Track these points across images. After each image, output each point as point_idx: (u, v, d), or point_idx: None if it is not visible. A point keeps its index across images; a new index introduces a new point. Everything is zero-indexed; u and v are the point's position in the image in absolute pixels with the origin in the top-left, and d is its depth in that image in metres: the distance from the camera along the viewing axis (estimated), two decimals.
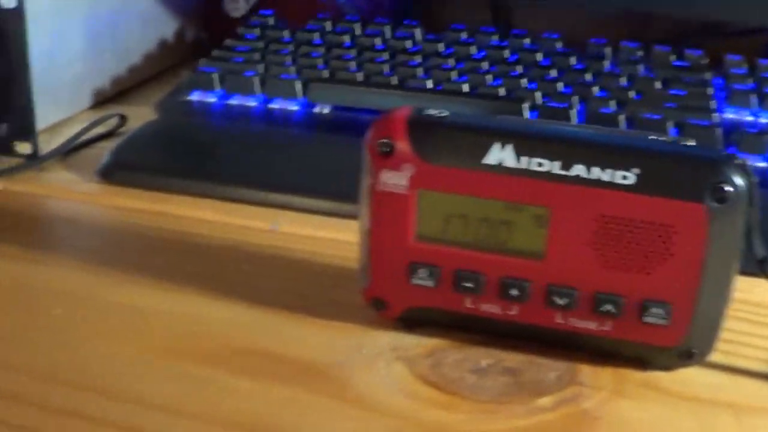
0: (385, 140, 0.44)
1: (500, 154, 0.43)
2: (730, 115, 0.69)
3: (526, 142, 0.43)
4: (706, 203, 0.41)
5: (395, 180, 0.44)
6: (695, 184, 0.41)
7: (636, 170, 0.42)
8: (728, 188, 0.41)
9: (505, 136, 0.43)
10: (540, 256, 0.44)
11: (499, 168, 0.43)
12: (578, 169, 0.42)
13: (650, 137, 0.45)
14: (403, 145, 0.44)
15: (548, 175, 0.42)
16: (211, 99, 0.71)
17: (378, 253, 0.46)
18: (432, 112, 0.45)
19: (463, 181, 0.43)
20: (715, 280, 0.43)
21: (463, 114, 0.45)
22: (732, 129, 0.65)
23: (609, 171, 0.42)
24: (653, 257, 0.43)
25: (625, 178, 0.42)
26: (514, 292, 0.44)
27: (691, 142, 0.44)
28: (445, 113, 0.45)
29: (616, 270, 0.43)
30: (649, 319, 0.43)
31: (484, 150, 0.43)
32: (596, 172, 0.42)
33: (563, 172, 0.42)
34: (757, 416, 0.43)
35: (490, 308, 0.45)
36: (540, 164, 0.42)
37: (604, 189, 0.42)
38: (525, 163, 0.43)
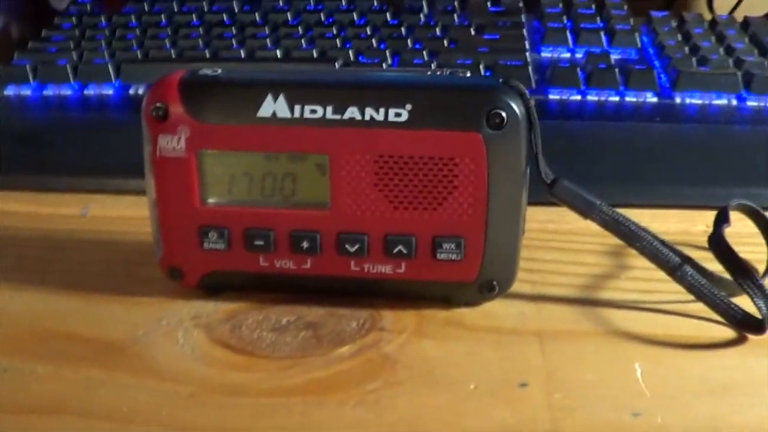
0: (158, 104, 0.43)
1: (273, 106, 0.42)
2: (546, 54, 0.70)
3: (297, 91, 0.42)
4: (483, 131, 0.41)
5: (173, 144, 0.43)
6: (470, 113, 0.41)
7: (408, 106, 0.41)
8: (503, 113, 0.41)
9: (275, 86, 0.42)
10: (326, 205, 0.43)
11: (274, 119, 0.42)
12: (352, 112, 0.42)
13: (425, 73, 0.44)
14: (176, 108, 0.43)
15: (323, 121, 0.42)
16: (26, 92, 0.69)
17: (167, 221, 0.45)
18: (205, 71, 0.44)
19: (240, 138, 0.43)
20: (504, 208, 0.42)
21: (236, 70, 0.44)
22: (547, 67, 0.66)
23: (382, 110, 0.41)
24: (438, 192, 0.42)
25: (398, 115, 0.41)
26: (306, 244, 0.44)
27: (468, 74, 0.44)
28: (218, 71, 0.44)
29: (404, 209, 0.43)
30: (442, 256, 0.43)
31: (257, 103, 0.42)
32: (369, 113, 0.42)
33: (337, 117, 0.42)
34: (560, 340, 0.43)
35: (285, 264, 0.45)
36: (314, 111, 0.42)
37: (380, 129, 0.42)
38: (299, 111, 0.42)
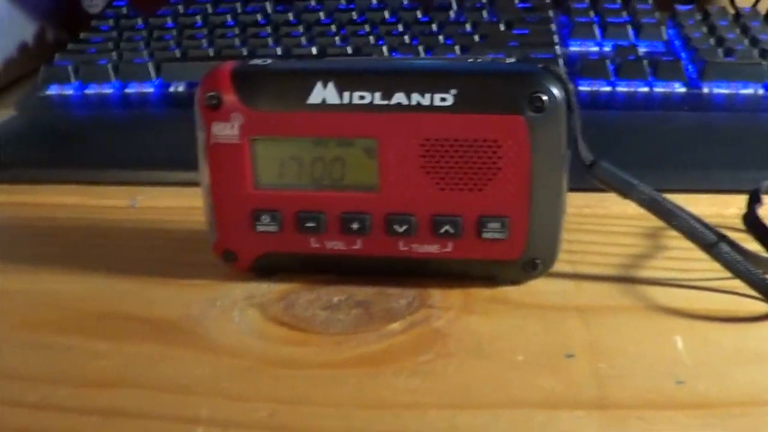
0: (212, 93, 0.45)
1: (323, 93, 0.44)
2: (575, 48, 0.71)
3: (346, 78, 0.44)
4: (525, 114, 0.42)
5: (226, 131, 0.45)
6: (513, 97, 0.43)
7: (453, 91, 0.43)
8: (544, 97, 0.42)
9: (325, 74, 0.44)
10: (375, 188, 0.45)
11: (324, 106, 0.44)
12: (399, 97, 0.43)
13: (468, 60, 0.46)
14: (229, 96, 0.44)
15: (371, 107, 0.43)
16: (68, 91, 0.71)
17: (220, 206, 0.46)
18: (256, 62, 0.46)
19: (291, 124, 0.44)
20: (546, 189, 0.44)
21: (286, 60, 0.46)
22: (576, 60, 0.67)
23: (428, 95, 0.43)
24: (483, 173, 0.44)
25: (443, 99, 0.43)
26: (355, 225, 0.45)
27: (510, 60, 0.45)
28: (268, 61, 0.45)
29: (450, 191, 0.44)
30: (487, 235, 0.45)
31: (307, 91, 0.44)
32: (416, 98, 0.43)
33: (385, 102, 0.43)
34: (602, 315, 0.44)
35: (335, 245, 0.46)
36: (362, 97, 0.43)
37: (425, 113, 0.43)
38: (347, 97, 0.44)
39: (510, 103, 0.43)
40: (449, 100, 0.43)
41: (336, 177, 0.45)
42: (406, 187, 0.44)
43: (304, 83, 0.44)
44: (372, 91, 0.43)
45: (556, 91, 0.43)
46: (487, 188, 0.44)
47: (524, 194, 0.44)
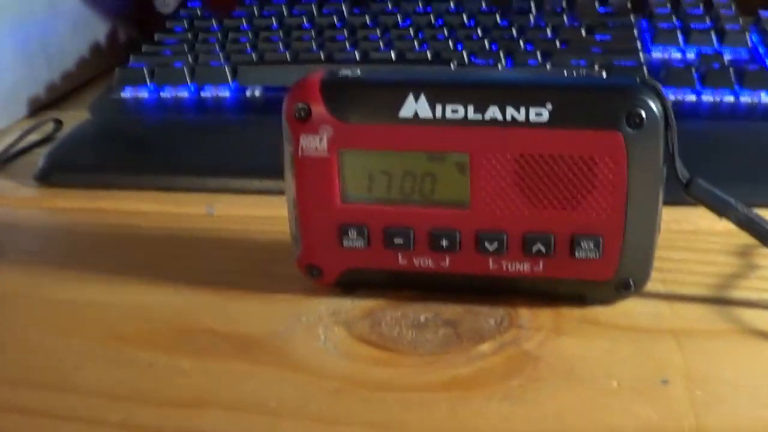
0: (300, 105, 0.44)
1: (414, 106, 0.43)
2: (657, 54, 0.70)
3: (438, 91, 0.43)
4: (623, 130, 0.41)
5: (315, 144, 0.44)
6: (610, 112, 0.41)
7: (549, 106, 0.42)
8: (643, 113, 0.41)
9: (417, 87, 0.43)
10: (466, 204, 0.44)
11: (415, 119, 0.43)
12: (493, 112, 0.42)
13: (563, 73, 0.45)
14: (318, 108, 0.43)
15: (464, 121, 0.42)
16: (143, 94, 0.71)
17: (306, 220, 0.46)
18: (345, 72, 0.45)
19: (381, 137, 0.43)
20: (642, 207, 0.43)
21: (376, 71, 0.45)
22: (659, 67, 0.66)
23: (522, 110, 0.42)
24: (577, 191, 0.43)
25: (539, 115, 0.42)
26: (445, 242, 0.44)
27: (603, 74, 0.44)
28: (358, 72, 0.44)
29: (543, 208, 0.43)
30: (580, 254, 0.43)
31: (399, 103, 0.43)
32: (510, 112, 0.42)
33: (478, 116, 0.42)
34: (696, 339, 0.43)
35: (423, 262, 0.45)
36: (455, 111, 0.42)
37: (520, 128, 0.42)
38: (440, 111, 0.43)
39: (607, 118, 0.41)
40: (545, 115, 0.42)
41: (426, 192, 0.44)
42: (497, 204, 0.43)
43: (395, 95, 0.43)
44: (465, 104, 0.42)
45: (654, 106, 0.41)
46: (582, 206, 0.43)
47: (619, 213, 0.43)
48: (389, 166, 0.44)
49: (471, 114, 0.42)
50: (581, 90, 0.42)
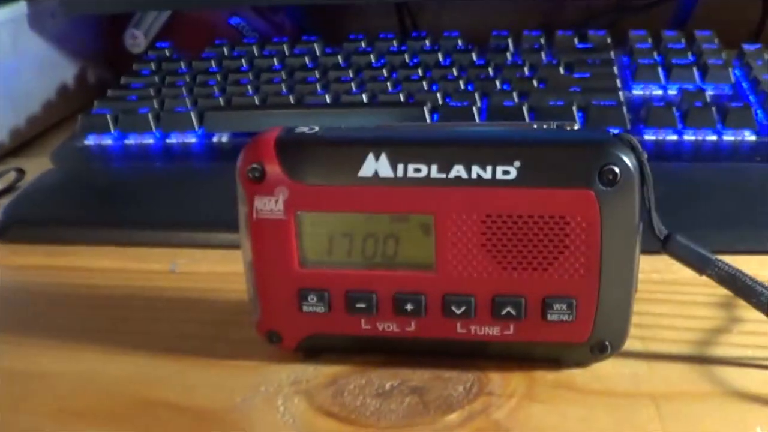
0: (254, 165, 0.41)
1: (375, 165, 0.41)
2: (638, 91, 0.68)
3: (399, 149, 0.40)
4: (595, 188, 0.39)
5: (270, 206, 0.42)
6: (581, 169, 0.39)
7: (517, 163, 0.39)
8: (616, 169, 0.39)
9: (377, 145, 0.41)
10: (431, 267, 0.42)
11: (376, 179, 0.41)
12: (457, 170, 0.40)
13: (532, 127, 0.43)
14: (273, 168, 0.41)
15: (428, 180, 0.40)
16: (107, 141, 0.69)
17: (264, 284, 0.43)
18: (302, 129, 0.43)
19: (341, 198, 0.41)
20: (617, 267, 0.41)
21: (335, 128, 0.43)
22: (640, 105, 0.64)
23: (489, 168, 0.40)
24: (548, 252, 0.40)
25: (506, 173, 0.40)
26: (410, 307, 0.42)
27: (576, 126, 0.42)
28: (315, 129, 0.42)
29: (512, 270, 0.41)
30: (553, 317, 0.41)
31: (358, 163, 0.41)
32: (476, 171, 0.40)
33: (442, 175, 0.40)
34: (676, 402, 0.41)
35: (388, 327, 0.43)
36: (417, 170, 0.40)
37: (487, 187, 0.40)
38: (401, 171, 0.40)
39: (579, 176, 0.39)
40: (512, 174, 0.39)
41: (389, 255, 0.42)
42: (465, 266, 0.41)
43: (354, 155, 0.41)
44: (428, 163, 0.40)
45: (628, 161, 0.39)
46: (553, 267, 0.41)
47: (593, 273, 0.40)
48: (350, 229, 0.42)
49: (435, 173, 0.40)
50: (551, 146, 0.40)
